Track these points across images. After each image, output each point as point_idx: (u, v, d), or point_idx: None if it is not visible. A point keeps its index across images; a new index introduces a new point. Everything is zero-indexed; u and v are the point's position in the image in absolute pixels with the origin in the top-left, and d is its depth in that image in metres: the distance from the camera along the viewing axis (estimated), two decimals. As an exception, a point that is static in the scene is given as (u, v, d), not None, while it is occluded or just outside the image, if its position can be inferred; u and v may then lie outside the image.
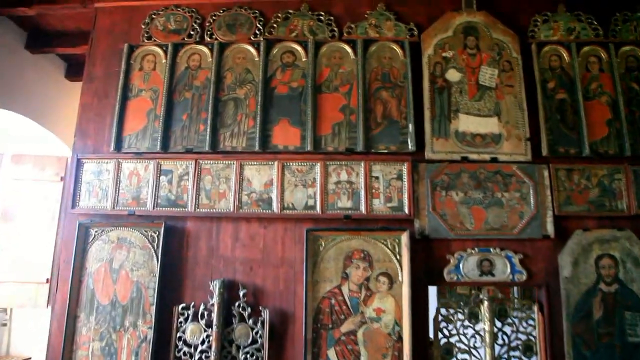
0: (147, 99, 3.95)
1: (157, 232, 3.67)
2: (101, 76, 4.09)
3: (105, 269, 3.66)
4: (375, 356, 3.35)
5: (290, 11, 4.05)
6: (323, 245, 3.55)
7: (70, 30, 5.59)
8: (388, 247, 3.52)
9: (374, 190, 3.63)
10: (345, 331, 3.42)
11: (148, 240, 3.67)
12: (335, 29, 3.98)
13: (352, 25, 3.97)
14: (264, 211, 3.63)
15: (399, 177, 3.65)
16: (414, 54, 3.86)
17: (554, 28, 3.93)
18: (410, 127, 3.69)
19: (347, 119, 3.77)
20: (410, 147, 3.67)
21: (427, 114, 3.72)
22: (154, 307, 3.53)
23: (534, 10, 3.99)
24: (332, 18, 4.01)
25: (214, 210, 3.66)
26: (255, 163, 3.73)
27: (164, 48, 4.03)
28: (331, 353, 3.37)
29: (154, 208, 3.71)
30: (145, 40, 4.09)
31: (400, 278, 3.46)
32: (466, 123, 3.71)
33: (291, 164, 3.70)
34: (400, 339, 3.38)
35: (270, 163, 3.72)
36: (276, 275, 3.59)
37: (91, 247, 3.71)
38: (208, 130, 3.78)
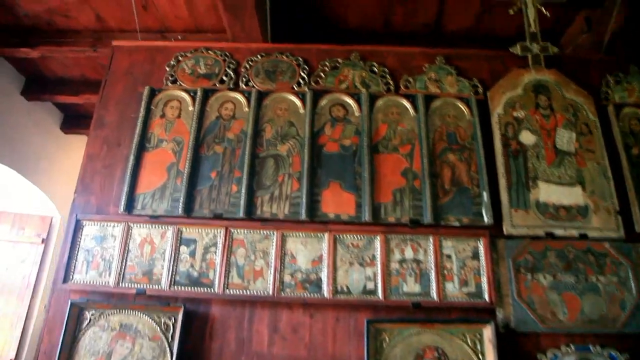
0: (168, 150, 3.30)
1: (174, 319, 2.89)
2: (114, 122, 3.44)
3: (103, 366, 2.83)
4: None
5: (339, 60, 3.57)
6: (387, 340, 2.84)
7: (72, 77, 5.07)
8: (467, 344, 2.84)
9: (446, 272, 2.99)
10: None
11: (161, 329, 2.88)
12: (391, 81, 3.50)
13: (410, 79, 3.50)
14: (312, 295, 2.92)
15: (475, 256, 3.03)
16: (481, 113, 3.39)
17: (629, 89, 3.56)
18: (485, 196, 3.14)
19: (410, 185, 3.19)
20: (486, 219, 3.09)
21: (502, 181, 3.18)
22: (165, 420, 2.69)
23: (603, 70, 3.64)
24: (386, 70, 3.55)
25: (248, 292, 2.94)
26: (300, 235, 3.06)
27: (192, 94, 3.44)
28: None
29: (170, 287, 2.95)
30: (170, 84, 3.51)
31: (483, 384, 2.76)
32: (547, 193, 3.18)
33: (345, 236, 3.05)
34: None
35: (319, 235, 3.06)
36: (326, 378, 2.83)
37: (84, 334, 2.88)
38: (243, 192, 3.12)
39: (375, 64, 3.56)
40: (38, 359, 2.91)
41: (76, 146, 5.69)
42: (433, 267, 2.98)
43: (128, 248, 3.06)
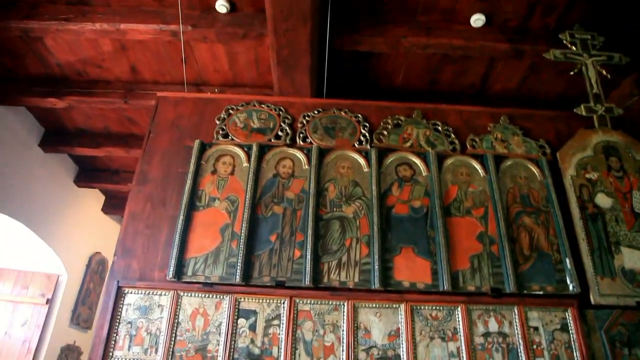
0: (221, 210, 3.01)
1: (235, 405, 2.50)
2: (158, 178, 3.17)
3: None
4: None
5: (402, 118, 3.41)
6: None
7: (94, 129, 4.85)
8: None
9: (535, 347, 2.70)
10: None
11: (219, 417, 2.48)
12: (456, 141, 3.35)
13: (476, 139, 3.35)
14: (392, 376, 2.59)
15: (564, 328, 2.77)
16: (552, 174, 3.23)
17: (694, 152, 3.47)
18: (568, 262, 2.91)
19: (488, 250, 2.95)
20: (571, 288, 2.86)
21: (583, 246, 2.98)
22: None
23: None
24: (450, 129, 3.40)
25: (318, 372, 2.58)
26: (373, 305, 2.76)
27: (246, 149, 3.22)
28: None
29: (229, 366, 2.58)
30: (221, 138, 3.28)
31: None
32: (632, 259, 2.98)
33: (422, 307, 2.76)
34: None
35: (394, 306, 2.76)
36: None
37: None
38: (307, 257, 2.83)
39: (438, 122, 3.42)
40: None
41: (88, 201, 5.37)
42: (521, 341, 2.69)
43: (178, 320, 2.71)
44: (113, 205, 5.88)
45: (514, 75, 4.10)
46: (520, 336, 2.71)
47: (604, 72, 3.51)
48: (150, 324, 2.71)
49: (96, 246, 5.54)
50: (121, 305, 2.76)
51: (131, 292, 2.79)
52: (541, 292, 2.85)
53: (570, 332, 2.75)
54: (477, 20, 3.56)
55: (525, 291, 2.84)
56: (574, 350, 2.70)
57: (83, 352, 5.11)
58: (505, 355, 2.67)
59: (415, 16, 3.65)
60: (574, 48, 3.56)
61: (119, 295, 2.78)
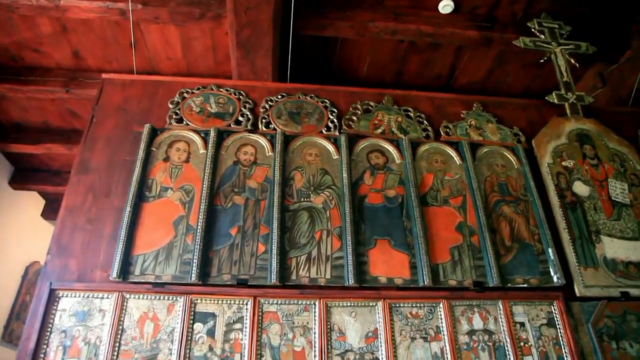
0: (175, 201, 2.66)
1: None
2: (102, 167, 2.78)
3: None
4: None
5: (372, 103, 3.19)
6: None
7: (32, 124, 4.48)
8: None
9: (522, 344, 2.49)
10: None
11: None
12: (429, 127, 3.15)
13: (450, 126, 3.18)
14: (370, 382, 2.30)
15: (550, 323, 2.58)
16: (529, 163, 3.09)
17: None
18: (551, 252, 2.75)
19: (468, 241, 2.75)
20: (556, 279, 2.68)
21: (564, 235, 2.83)
22: None
23: (636, 121, 3.50)
24: (422, 115, 3.21)
25: (287, 381, 2.26)
26: (348, 304, 2.47)
27: (203, 134, 2.89)
28: None
29: (183, 379, 2.21)
30: (175, 123, 2.93)
31: None
32: (612, 248, 2.85)
33: (401, 305, 2.50)
34: None
35: (371, 304, 2.49)
36: None
37: None
38: (273, 252, 2.52)
39: (410, 108, 3.22)
40: None
41: (26, 205, 4.83)
42: (508, 338, 2.48)
43: (122, 327, 2.32)
44: (54, 210, 5.31)
45: (480, 67, 4.02)
46: (506, 333, 2.50)
47: (573, 61, 3.45)
48: (89, 332, 2.30)
49: (34, 255, 4.97)
50: (54, 312, 2.34)
51: (66, 296, 2.38)
52: (525, 285, 2.66)
53: (558, 326, 2.57)
54: (446, 6, 3.44)
55: (509, 284, 2.64)
56: (563, 347, 2.52)
57: (15, 374, 4.51)
58: (492, 355, 2.44)
59: (383, 1, 3.48)
60: (542, 36, 3.49)
61: (52, 299, 2.35)
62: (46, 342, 2.26)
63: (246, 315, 2.38)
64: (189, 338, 2.31)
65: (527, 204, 2.93)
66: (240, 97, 3.10)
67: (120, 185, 2.71)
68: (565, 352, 2.50)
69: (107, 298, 2.38)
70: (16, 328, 4.56)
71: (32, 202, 4.99)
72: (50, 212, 5.32)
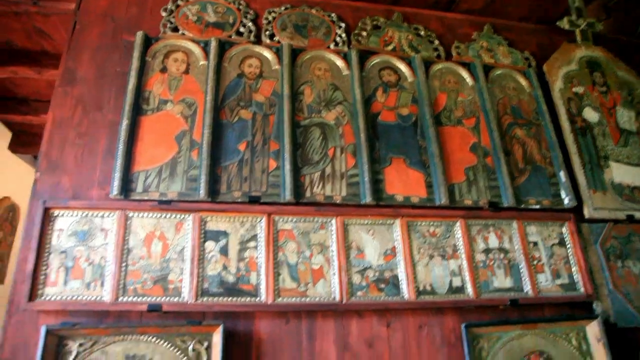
0: (176, 115, 2.44)
1: (207, 343, 2.03)
2: (90, 78, 2.50)
3: (100, 422, 1.87)
4: None
5: (381, 19, 2.99)
6: (485, 348, 2.25)
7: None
8: (572, 344, 2.35)
9: (535, 262, 2.50)
10: None
11: (189, 358, 2.00)
12: (440, 47, 3.00)
13: (461, 46, 3.04)
14: (390, 298, 2.25)
15: (561, 243, 2.59)
16: (541, 87, 3.01)
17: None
18: (562, 175, 2.73)
19: (482, 162, 2.68)
20: (567, 202, 2.68)
21: (575, 160, 2.81)
22: None
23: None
24: (432, 34, 3.04)
25: (306, 299, 2.18)
26: (365, 222, 2.38)
27: (202, 45, 2.63)
28: None
29: (197, 299, 2.09)
30: (170, 32, 2.65)
31: (596, 394, 2.28)
32: (619, 173, 2.87)
33: (419, 223, 2.44)
34: None
35: (389, 222, 2.41)
36: (415, 406, 2.15)
37: (67, 376, 1.91)
38: (286, 168, 2.37)
39: (420, 27, 3.04)
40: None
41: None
42: (522, 256, 2.48)
43: (128, 246, 2.14)
44: (22, 143, 4.90)
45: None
46: (521, 252, 2.49)
47: (585, -14, 3.33)
48: (92, 253, 2.12)
49: (4, 190, 4.61)
50: (50, 231, 2.13)
51: (63, 215, 2.17)
52: (538, 206, 2.64)
53: (568, 246, 2.59)
54: None
55: (522, 205, 2.61)
56: (573, 265, 2.54)
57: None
58: (508, 272, 2.44)
59: None
60: (551, -40, 3.34)
61: (47, 218, 2.14)
62: (45, 263, 2.07)
63: (260, 233, 2.25)
64: (201, 257, 2.17)
65: (539, 128, 2.88)
66: (240, 7, 2.83)
67: (113, 98, 2.46)
68: (574, 270, 2.53)
69: (109, 217, 2.19)
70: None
71: (-5, 132, 4.58)
72: (17, 145, 4.90)
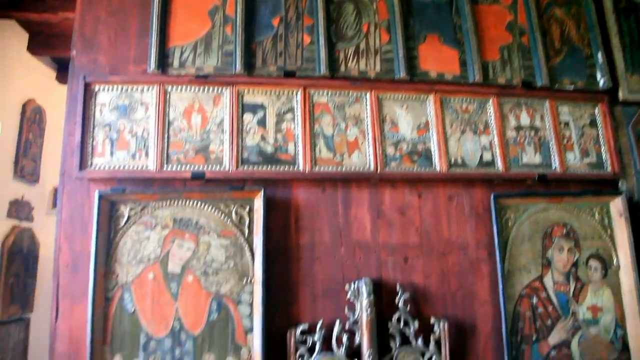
0: (208, -10, 2.40)
1: (249, 207, 2.15)
2: (120, -50, 2.43)
3: (156, 276, 2.05)
4: (599, 377, 2.26)
5: None
6: (512, 218, 2.35)
7: None
8: (595, 218, 2.44)
9: (565, 141, 2.53)
10: (555, 343, 2.26)
11: (232, 221, 2.13)
12: None
13: None
14: (423, 170, 2.32)
15: (593, 124, 2.60)
16: (578, -36, 2.87)
17: None
18: (600, 56, 2.67)
19: (518, 41, 2.63)
20: (602, 83, 2.65)
21: (615, 41, 2.74)
22: (252, 336, 2.02)
23: None
24: None
25: (342, 169, 2.26)
26: (399, 97, 2.40)
27: None
28: (546, 381, 2.19)
29: (238, 167, 2.19)
30: None
31: (615, 262, 2.40)
32: (658, 56, 2.80)
33: (452, 99, 2.45)
34: (625, 347, 2.31)
35: (422, 97, 2.42)
36: (443, 268, 2.29)
37: (124, 237, 2.06)
38: (320, 42, 2.36)
39: None
40: (60, 276, 2.04)
41: (8, 39, 4.40)
42: (552, 135, 2.50)
43: (168, 119, 2.21)
44: (40, 44, 4.84)
45: None
46: (551, 130, 2.51)
47: None
48: (135, 125, 2.20)
49: (28, 93, 4.65)
50: (93, 106, 2.19)
51: (104, 90, 2.22)
52: (572, 87, 2.62)
53: (599, 127, 2.60)
54: None
55: (556, 85, 2.59)
56: (602, 145, 2.57)
57: (34, 207, 4.50)
58: (537, 149, 2.48)
59: None
60: None
61: (88, 93, 2.19)
62: (91, 136, 2.16)
63: (296, 106, 2.30)
64: (240, 128, 2.23)
65: (580, 8, 2.78)
66: None
67: (145, -28, 2.41)
68: (603, 150, 2.56)
69: (148, 91, 2.24)
70: (26, 165, 4.43)
71: (14, 35, 4.52)
72: (36, 45, 4.84)
